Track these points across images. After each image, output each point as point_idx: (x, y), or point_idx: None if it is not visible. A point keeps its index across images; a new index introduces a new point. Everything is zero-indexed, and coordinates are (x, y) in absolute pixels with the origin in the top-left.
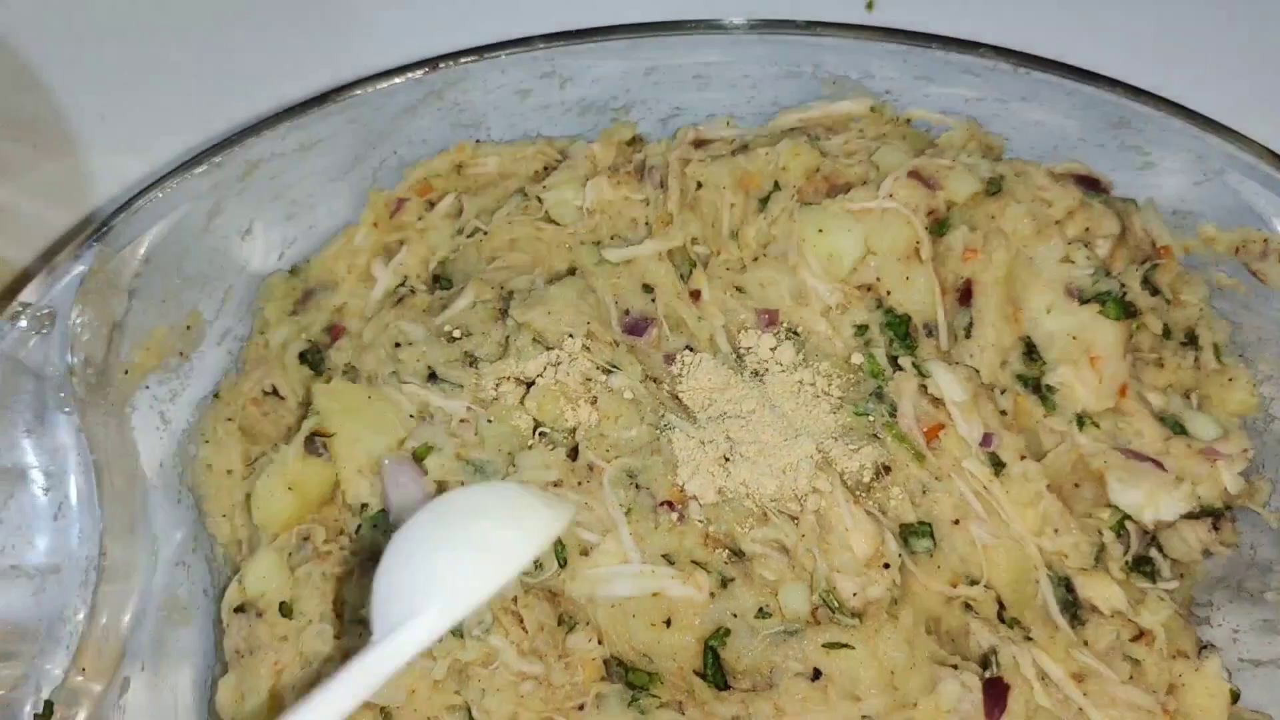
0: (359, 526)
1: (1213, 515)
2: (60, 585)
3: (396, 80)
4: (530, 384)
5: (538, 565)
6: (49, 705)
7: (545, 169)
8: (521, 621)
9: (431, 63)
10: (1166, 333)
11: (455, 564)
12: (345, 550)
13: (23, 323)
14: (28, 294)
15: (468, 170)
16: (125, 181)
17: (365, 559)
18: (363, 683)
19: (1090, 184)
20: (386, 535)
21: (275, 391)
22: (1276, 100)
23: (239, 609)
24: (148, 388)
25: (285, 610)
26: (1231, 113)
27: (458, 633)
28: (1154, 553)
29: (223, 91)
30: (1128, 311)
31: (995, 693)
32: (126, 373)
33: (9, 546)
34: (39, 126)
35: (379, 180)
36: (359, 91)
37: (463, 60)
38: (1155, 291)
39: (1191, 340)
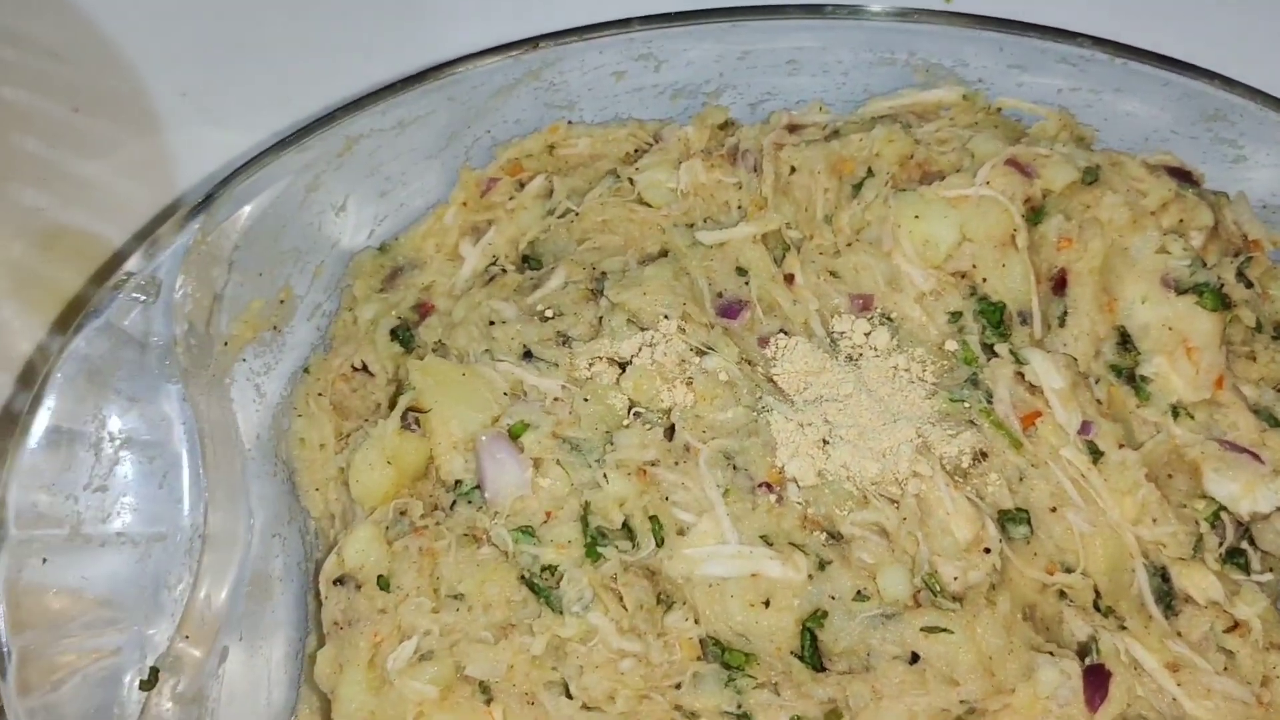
0: (454, 502)
1: None
2: (165, 553)
3: (496, 59)
4: (625, 364)
5: (635, 544)
6: (154, 671)
7: (636, 151)
8: (621, 599)
9: (532, 42)
10: (1259, 326)
11: None
12: (441, 525)
13: (128, 293)
14: (131, 264)
15: (559, 151)
16: (210, 161)
17: (461, 534)
18: None
19: (1182, 176)
20: (482, 511)
21: (365, 368)
22: None
23: (338, 581)
24: (244, 360)
25: (383, 583)
26: None
27: (557, 609)
28: (1245, 544)
29: (304, 69)
30: (1224, 303)
31: (1097, 680)
32: (226, 344)
33: (114, 513)
34: (122, 103)
35: (471, 159)
36: (460, 69)
37: (563, 40)
38: (1249, 284)
39: None
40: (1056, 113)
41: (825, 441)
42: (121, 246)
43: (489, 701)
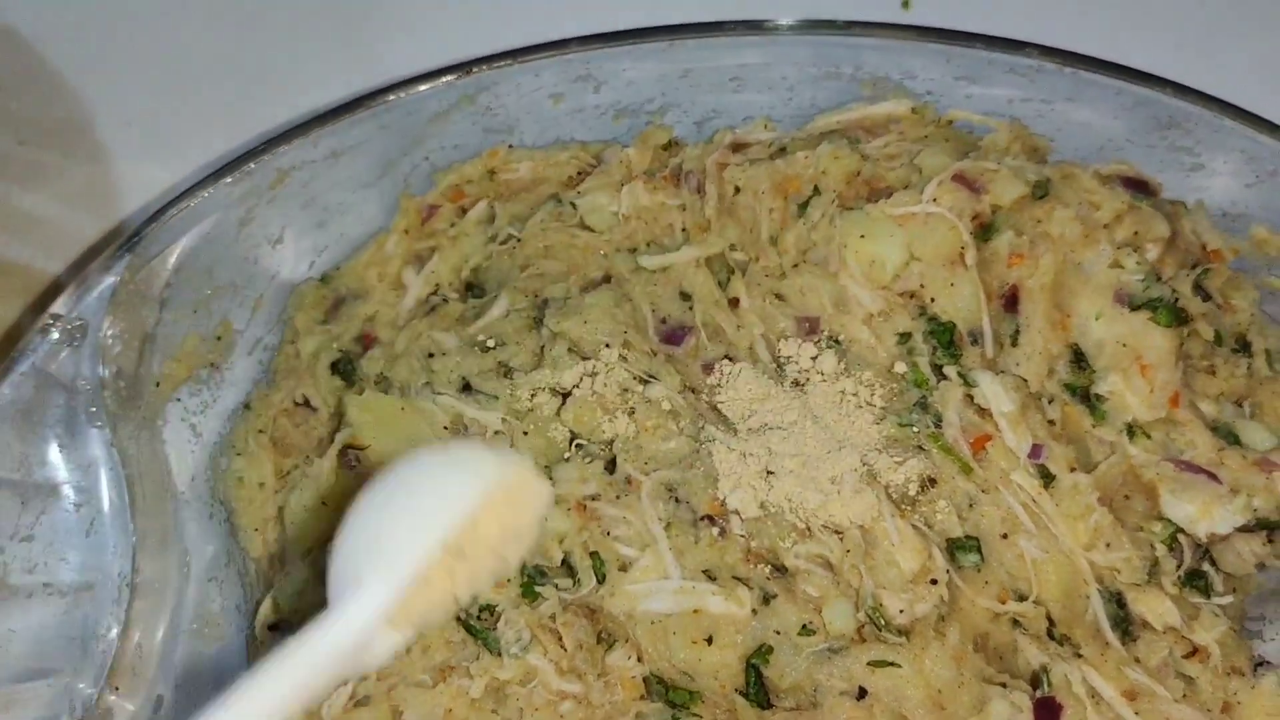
0: None
1: (1268, 528)
2: (93, 602)
3: (429, 85)
4: (566, 395)
5: (575, 581)
6: None
7: (579, 174)
8: (560, 639)
9: (465, 67)
10: (1218, 339)
11: (393, 527)
12: None
13: (54, 335)
14: (58, 306)
15: (500, 176)
16: (153, 189)
17: None
18: (306, 664)
19: (1138, 186)
20: None
21: (307, 402)
22: None
23: (273, 627)
24: (179, 400)
25: None
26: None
27: (495, 650)
28: (1207, 566)
29: (251, 97)
30: (1180, 318)
31: (1047, 713)
32: (158, 385)
33: (41, 564)
34: (66, 133)
35: (410, 186)
36: (391, 97)
37: (496, 64)
38: (1207, 297)
39: (1244, 347)
40: (1008, 124)
41: (769, 472)
42: (60, 276)
43: None
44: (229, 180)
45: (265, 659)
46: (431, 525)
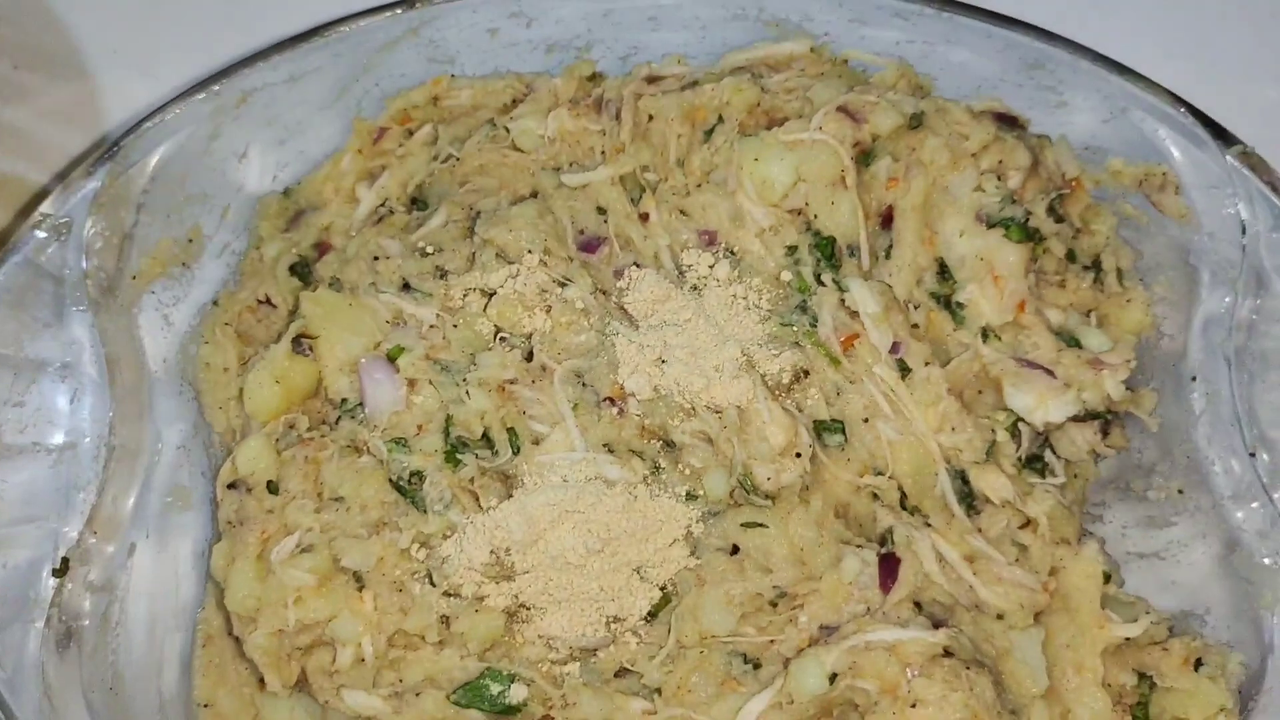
0: (339, 418)
1: (1100, 419)
2: (76, 461)
3: (376, 18)
4: (492, 294)
5: (494, 451)
6: (65, 561)
7: (513, 101)
8: (478, 499)
9: (410, 2)
10: (1071, 256)
11: None
12: (325, 437)
13: (42, 232)
14: (46, 206)
15: (443, 102)
16: (133, 107)
17: (344, 445)
18: None
19: (1008, 121)
20: (362, 425)
21: (268, 300)
22: (1177, 44)
23: (231, 485)
24: (153, 293)
25: (272, 488)
26: (1138, 55)
27: (421, 508)
28: (1048, 454)
29: (224, 26)
30: (1029, 235)
31: (889, 566)
32: (135, 278)
33: (30, 425)
34: (54, 56)
35: (363, 110)
36: (344, 28)
37: (436, 1)
38: (1060, 219)
39: (1095, 265)
40: (895, 63)
41: (662, 360)
42: (48, 185)
43: (361, 589)
44: (199, 98)
45: None
46: None
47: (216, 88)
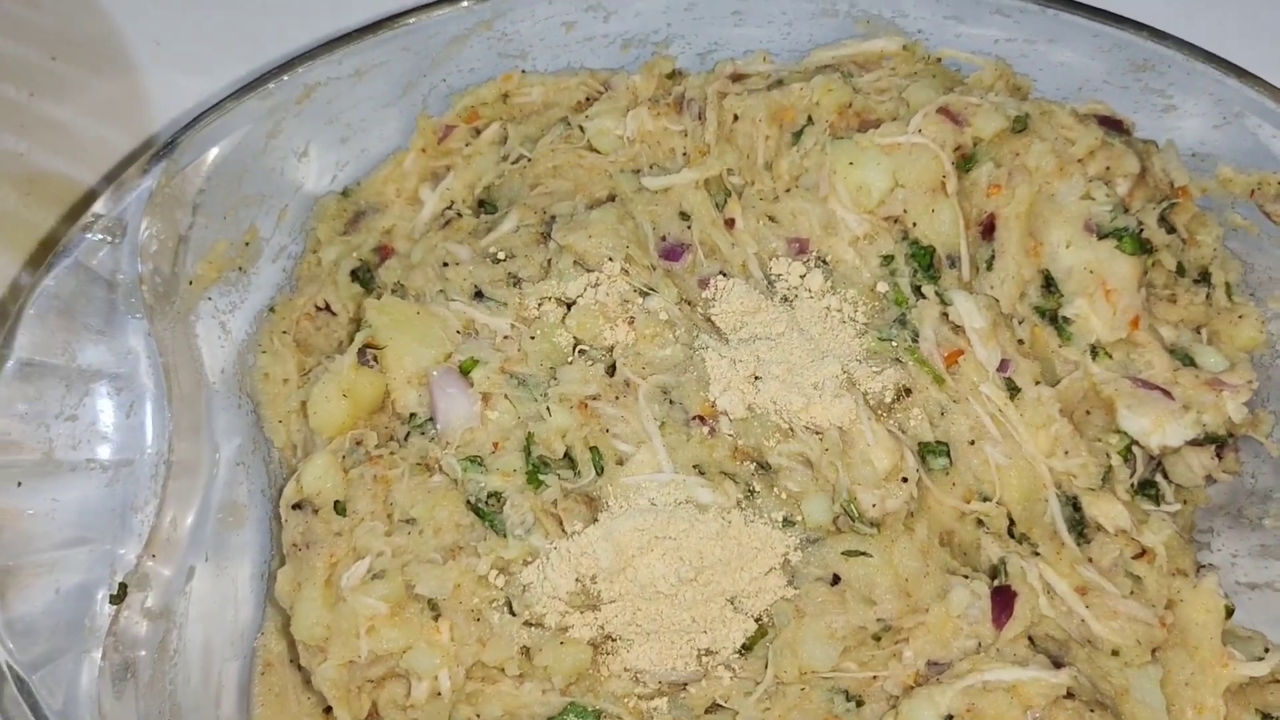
0: (408, 434)
1: (1216, 443)
2: (132, 478)
3: (449, 9)
4: (571, 304)
5: (576, 472)
6: (122, 587)
7: (587, 99)
8: (560, 523)
9: None
10: (1180, 270)
11: None
12: (395, 454)
13: (94, 234)
14: (99, 206)
15: (513, 99)
16: (181, 105)
17: (414, 463)
18: None
19: (1113, 125)
20: (434, 442)
21: (328, 307)
22: None
23: (296, 506)
24: (210, 299)
25: (339, 508)
26: (1253, 57)
27: (501, 532)
28: (1159, 478)
29: (272, 18)
30: (1143, 247)
31: (1003, 600)
32: (191, 283)
33: (83, 441)
34: (95, 48)
35: (428, 107)
36: (412, 20)
37: None
38: (1171, 230)
39: (1204, 278)
40: (993, 63)
41: (756, 377)
42: (95, 186)
43: (437, 617)
44: (259, 93)
45: None
46: None
47: (278, 82)
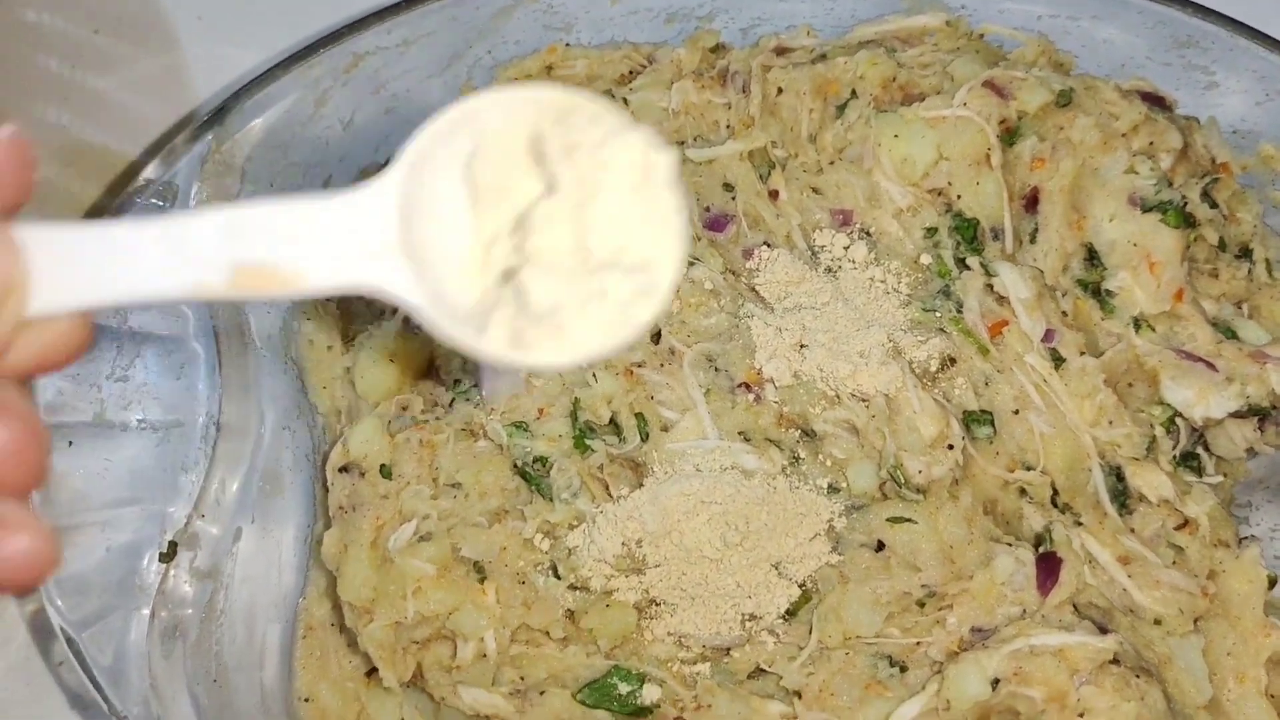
0: (453, 400)
1: (1259, 415)
2: (183, 439)
3: None
4: None
5: (621, 438)
6: (172, 545)
7: (631, 73)
8: (607, 487)
9: None
10: (1222, 245)
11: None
12: (440, 420)
13: (146, 199)
14: (150, 171)
15: (557, 72)
16: (220, 78)
17: (459, 429)
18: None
19: (1155, 101)
20: (479, 408)
21: None
22: None
23: (343, 469)
24: None
25: (385, 472)
26: None
27: (547, 496)
28: (1200, 450)
29: None
30: (1187, 221)
31: (1048, 566)
32: None
33: (135, 402)
34: (138, 21)
35: (473, 79)
36: None
37: None
38: (1213, 205)
39: (1245, 254)
40: (1036, 39)
41: (802, 345)
42: (138, 159)
43: (483, 580)
44: (309, 61)
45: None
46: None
47: (325, 52)
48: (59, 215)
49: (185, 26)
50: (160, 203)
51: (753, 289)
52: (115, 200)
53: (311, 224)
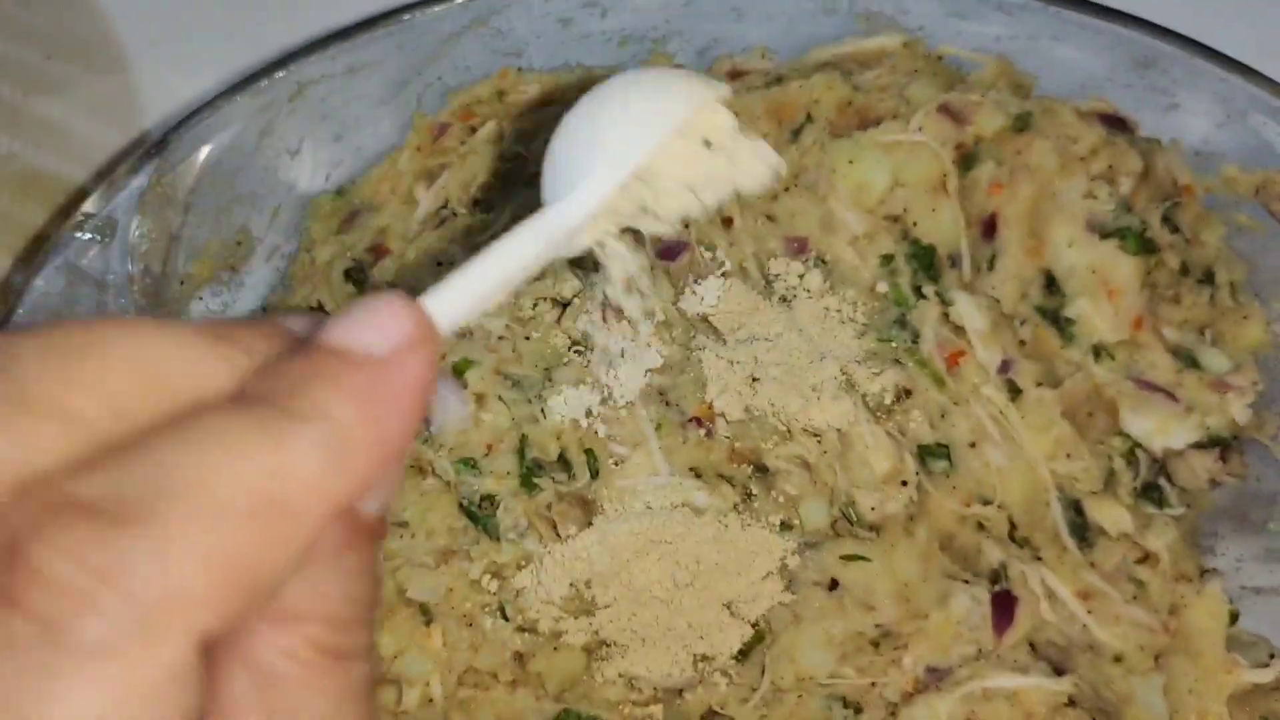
0: None
1: (1221, 446)
2: None
3: (444, 5)
4: (566, 304)
5: (570, 475)
6: None
7: None
8: (554, 527)
9: None
10: (1184, 270)
11: (614, 128)
12: None
13: (84, 234)
14: (89, 205)
15: (509, 97)
16: (172, 102)
17: (408, 466)
18: (539, 240)
19: (1116, 123)
20: (427, 444)
21: (321, 307)
22: None
23: None
24: (201, 299)
25: None
26: (1258, 54)
27: (494, 536)
28: (1162, 481)
29: (268, 16)
30: (1146, 247)
31: (1003, 605)
32: (182, 283)
33: None
34: (88, 46)
35: (423, 105)
36: (407, 16)
37: None
38: (1175, 229)
39: (1208, 278)
40: (995, 60)
41: (754, 379)
42: (87, 184)
43: (429, 622)
44: (253, 90)
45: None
46: (653, 132)
47: (278, 75)
48: (6, 244)
49: (137, 50)
50: (98, 237)
51: (705, 319)
52: (54, 234)
53: None
